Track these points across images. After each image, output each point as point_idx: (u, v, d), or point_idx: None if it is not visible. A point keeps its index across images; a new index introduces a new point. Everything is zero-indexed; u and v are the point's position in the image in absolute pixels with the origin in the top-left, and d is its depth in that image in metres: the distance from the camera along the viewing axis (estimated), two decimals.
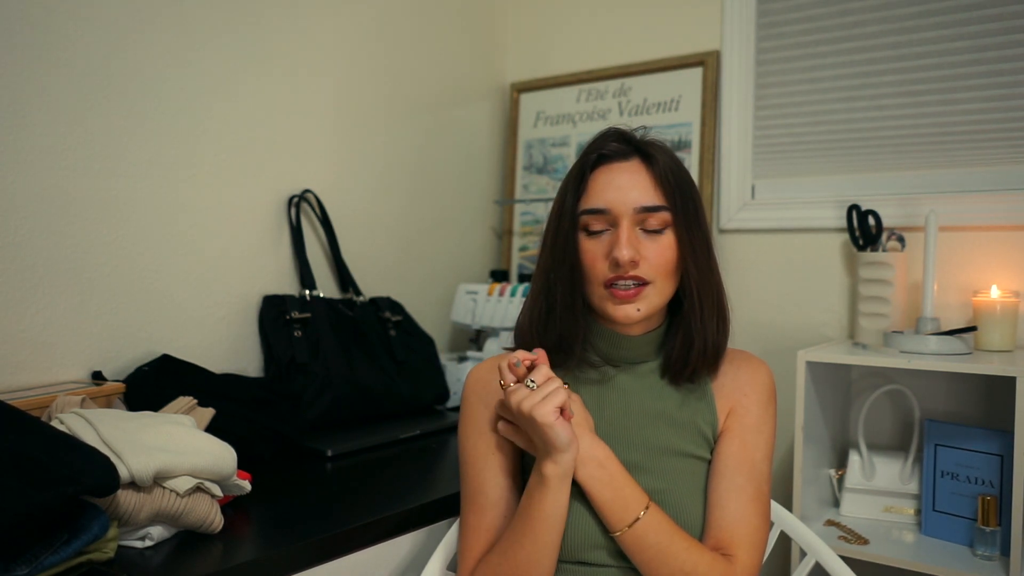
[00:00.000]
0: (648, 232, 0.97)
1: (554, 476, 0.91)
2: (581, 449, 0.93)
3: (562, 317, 1.01)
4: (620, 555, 0.96)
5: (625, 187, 0.97)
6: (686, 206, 0.98)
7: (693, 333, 1.00)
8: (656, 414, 1.01)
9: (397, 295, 1.83)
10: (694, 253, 0.98)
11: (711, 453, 1.02)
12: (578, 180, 1.01)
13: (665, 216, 0.97)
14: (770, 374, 1.07)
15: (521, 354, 0.93)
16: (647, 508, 0.93)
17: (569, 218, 1.01)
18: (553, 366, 0.98)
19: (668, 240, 0.98)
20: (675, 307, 1.04)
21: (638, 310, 0.97)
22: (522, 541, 0.93)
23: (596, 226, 0.98)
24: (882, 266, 1.56)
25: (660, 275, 0.97)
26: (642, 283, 0.97)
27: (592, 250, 0.98)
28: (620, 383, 1.03)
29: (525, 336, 1.05)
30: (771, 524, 1.17)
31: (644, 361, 1.04)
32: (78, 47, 1.29)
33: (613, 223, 0.98)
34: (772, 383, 1.06)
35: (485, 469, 1.01)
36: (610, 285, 0.97)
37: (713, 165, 1.86)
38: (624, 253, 0.94)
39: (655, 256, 0.97)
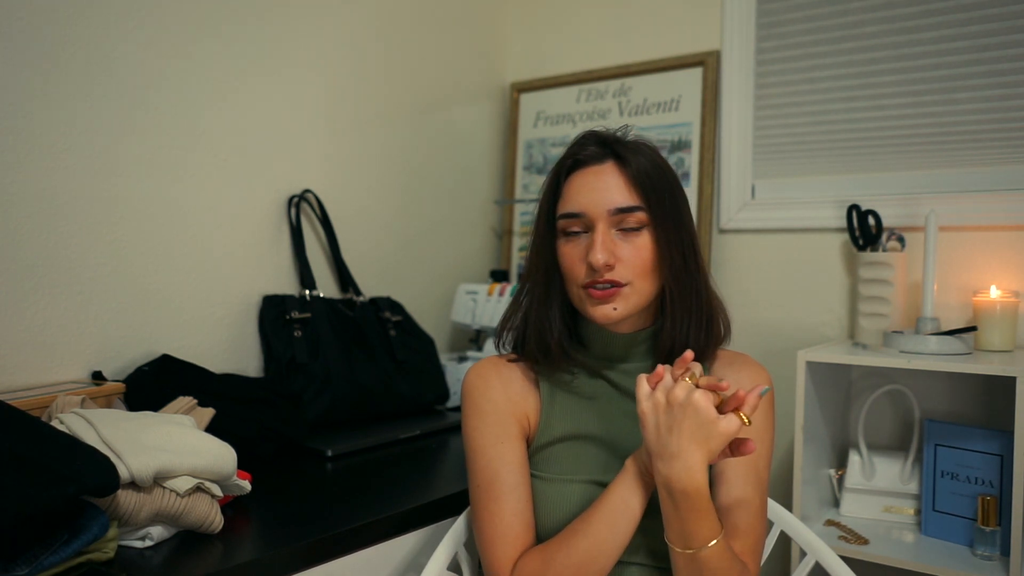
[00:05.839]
0: (625, 233, 0.98)
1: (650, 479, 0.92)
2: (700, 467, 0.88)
3: (538, 319, 1.03)
4: (639, 552, 0.97)
5: (599, 189, 0.98)
6: (662, 206, 0.98)
7: (665, 334, 1.01)
8: None
9: (397, 295, 1.83)
10: (670, 254, 0.98)
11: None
12: (554, 185, 1.03)
13: (640, 216, 0.98)
14: (770, 379, 1.07)
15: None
16: (720, 536, 0.89)
17: (545, 222, 1.03)
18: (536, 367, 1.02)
19: (645, 240, 0.98)
20: None
21: (615, 309, 0.98)
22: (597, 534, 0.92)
23: (573, 229, 1.00)
24: (882, 266, 1.56)
25: (637, 276, 0.98)
26: (618, 284, 0.97)
27: (570, 253, 1.00)
28: (617, 384, 1.04)
29: (503, 337, 1.09)
30: (771, 524, 1.17)
31: (638, 360, 1.04)
32: (78, 47, 1.29)
33: (589, 226, 0.99)
34: (772, 388, 1.06)
35: (497, 457, 1.01)
36: (588, 286, 0.98)
37: (713, 165, 1.86)
38: (599, 258, 0.95)
39: (631, 257, 0.97)
